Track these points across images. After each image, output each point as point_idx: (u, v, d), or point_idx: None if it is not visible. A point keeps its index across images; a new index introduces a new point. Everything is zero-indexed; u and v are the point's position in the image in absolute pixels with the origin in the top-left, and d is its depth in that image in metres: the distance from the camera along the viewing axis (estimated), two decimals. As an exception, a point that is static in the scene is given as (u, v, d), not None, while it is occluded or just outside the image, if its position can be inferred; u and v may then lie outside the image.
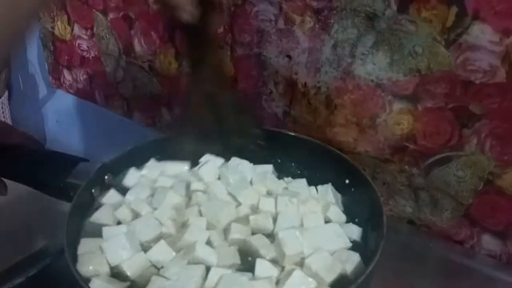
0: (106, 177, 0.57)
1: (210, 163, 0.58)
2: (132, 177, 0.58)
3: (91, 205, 0.54)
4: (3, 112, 1.09)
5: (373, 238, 0.50)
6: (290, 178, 0.59)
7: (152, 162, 0.60)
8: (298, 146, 0.61)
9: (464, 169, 0.57)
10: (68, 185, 0.56)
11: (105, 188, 0.56)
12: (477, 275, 0.58)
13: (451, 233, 0.62)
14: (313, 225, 0.51)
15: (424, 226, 0.64)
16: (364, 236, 0.52)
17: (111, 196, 0.55)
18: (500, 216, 0.58)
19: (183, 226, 0.51)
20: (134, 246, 0.48)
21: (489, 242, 0.60)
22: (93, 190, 0.55)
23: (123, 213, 0.53)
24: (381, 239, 0.47)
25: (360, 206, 0.54)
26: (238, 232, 0.50)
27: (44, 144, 1.18)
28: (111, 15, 0.85)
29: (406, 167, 0.62)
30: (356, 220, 0.53)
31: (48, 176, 0.57)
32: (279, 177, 0.59)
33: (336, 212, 0.54)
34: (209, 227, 0.51)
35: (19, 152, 0.59)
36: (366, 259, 0.47)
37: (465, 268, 0.59)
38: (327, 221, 0.53)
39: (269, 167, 0.60)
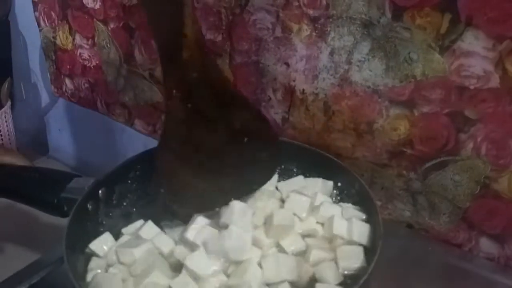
0: (100, 191, 0.57)
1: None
2: None
3: (88, 219, 0.55)
4: (6, 121, 1.10)
5: (370, 238, 0.51)
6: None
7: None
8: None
9: (461, 173, 0.58)
10: (62, 200, 0.57)
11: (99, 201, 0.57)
12: (475, 277, 0.59)
13: (449, 237, 0.63)
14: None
15: (422, 229, 0.64)
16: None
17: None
18: (497, 220, 0.58)
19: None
20: None
21: (487, 245, 0.60)
22: (88, 205, 0.55)
23: None
24: (379, 238, 0.47)
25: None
26: None
27: (47, 153, 1.19)
28: (111, 25, 0.86)
29: (404, 171, 0.63)
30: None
31: (41, 192, 0.58)
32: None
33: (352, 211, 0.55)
34: None
35: (8, 170, 0.61)
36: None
37: (464, 271, 0.60)
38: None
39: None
